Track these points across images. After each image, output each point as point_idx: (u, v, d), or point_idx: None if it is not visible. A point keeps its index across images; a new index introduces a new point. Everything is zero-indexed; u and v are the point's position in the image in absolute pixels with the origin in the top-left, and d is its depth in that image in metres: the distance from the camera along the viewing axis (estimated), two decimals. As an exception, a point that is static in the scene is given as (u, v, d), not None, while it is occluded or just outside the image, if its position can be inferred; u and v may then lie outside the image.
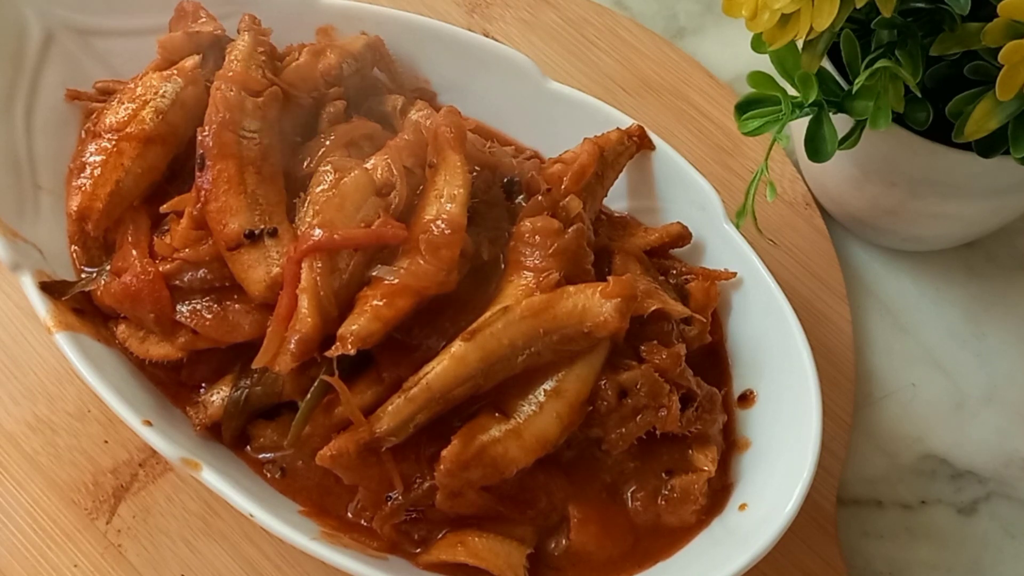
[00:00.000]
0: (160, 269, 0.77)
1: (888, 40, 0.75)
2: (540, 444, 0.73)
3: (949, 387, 0.95)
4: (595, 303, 0.72)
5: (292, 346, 0.71)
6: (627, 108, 0.90)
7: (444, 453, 0.72)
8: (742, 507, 0.77)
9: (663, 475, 0.77)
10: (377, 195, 0.76)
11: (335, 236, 0.73)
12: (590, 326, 0.72)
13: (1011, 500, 0.91)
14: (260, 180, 0.78)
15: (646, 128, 0.88)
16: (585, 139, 0.86)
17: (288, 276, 0.73)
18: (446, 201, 0.75)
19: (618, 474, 0.77)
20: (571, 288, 0.74)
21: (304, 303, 0.71)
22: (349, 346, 0.70)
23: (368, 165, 0.78)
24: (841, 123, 0.76)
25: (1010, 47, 0.66)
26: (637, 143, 0.88)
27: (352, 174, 0.76)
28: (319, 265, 0.73)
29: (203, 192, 0.77)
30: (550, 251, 0.75)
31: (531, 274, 0.75)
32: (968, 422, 0.93)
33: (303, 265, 0.73)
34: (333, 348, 0.71)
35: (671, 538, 0.77)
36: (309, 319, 0.71)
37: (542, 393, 0.74)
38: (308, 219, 0.76)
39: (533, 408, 0.74)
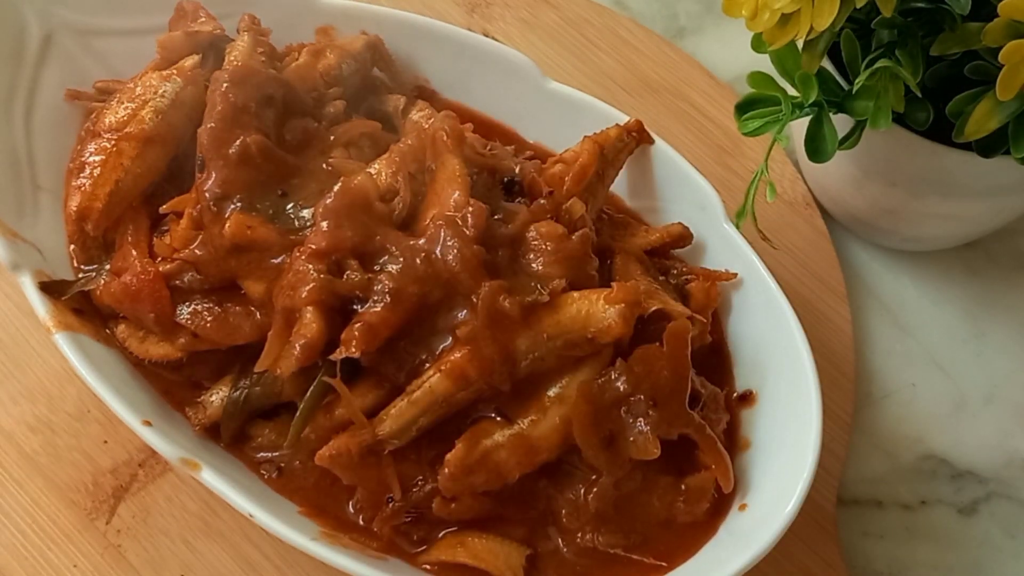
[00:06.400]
0: (160, 269, 0.77)
1: (888, 40, 0.75)
2: (543, 449, 0.73)
3: (949, 387, 0.95)
4: (599, 309, 0.72)
5: (297, 351, 0.71)
6: (627, 108, 0.90)
7: (448, 457, 0.72)
8: (742, 507, 0.77)
9: (672, 475, 0.77)
10: (380, 200, 0.76)
11: (339, 241, 0.73)
12: (594, 332, 0.72)
13: (1011, 500, 0.91)
14: (260, 181, 0.78)
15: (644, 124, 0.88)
16: (585, 137, 0.86)
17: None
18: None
19: (624, 475, 0.77)
20: (575, 294, 0.74)
21: (309, 309, 0.71)
22: (353, 348, 0.70)
23: (372, 170, 0.78)
24: (841, 123, 0.76)
25: (1010, 47, 0.66)
26: (636, 138, 0.88)
27: (356, 179, 0.76)
28: (323, 269, 0.72)
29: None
30: (555, 257, 0.75)
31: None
32: (968, 422, 0.93)
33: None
34: (337, 351, 0.71)
35: (680, 538, 0.76)
36: (314, 325, 0.71)
37: (545, 398, 0.74)
38: (310, 223, 0.76)
39: (536, 413, 0.74)
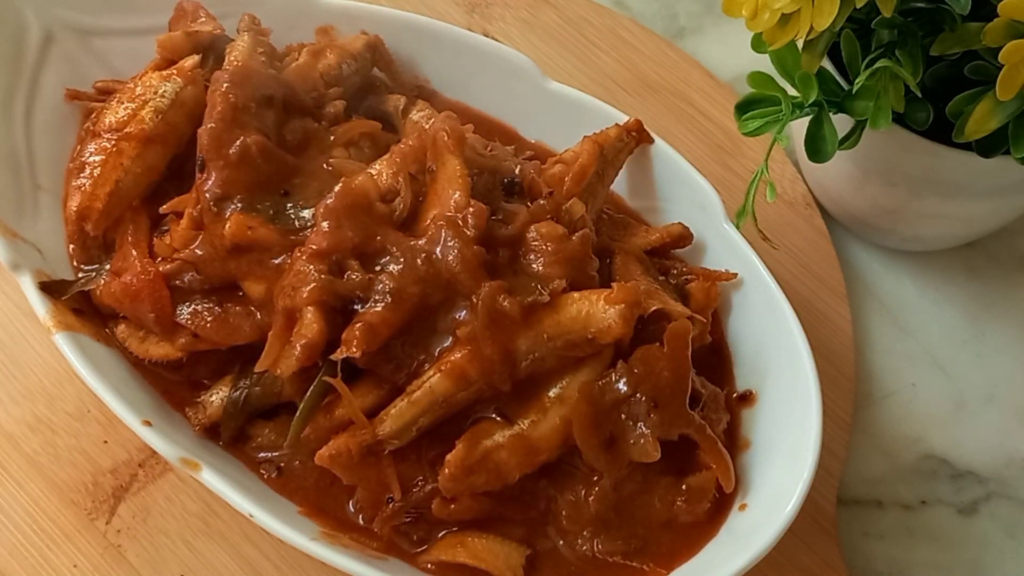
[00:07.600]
0: (160, 269, 0.77)
1: (888, 40, 0.75)
2: (543, 450, 0.73)
3: (949, 387, 0.95)
4: (599, 309, 0.72)
5: (297, 351, 0.71)
6: (627, 108, 0.90)
7: (449, 458, 0.72)
8: (742, 507, 0.77)
9: (672, 475, 0.77)
10: (381, 201, 0.76)
11: (340, 241, 0.73)
12: (594, 332, 0.72)
13: (1011, 500, 0.91)
14: (260, 181, 0.78)
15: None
16: (585, 137, 0.86)
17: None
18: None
19: (624, 476, 0.77)
20: (575, 294, 0.74)
21: (310, 309, 0.71)
22: (354, 348, 0.70)
23: (372, 171, 0.78)
24: (841, 123, 0.76)
25: (1010, 47, 0.66)
26: (636, 138, 0.88)
27: (357, 179, 0.76)
28: (324, 270, 0.72)
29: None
30: (555, 257, 0.75)
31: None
32: (968, 422, 0.93)
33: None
34: (338, 351, 0.71)
35: (680, 538, 0.76)
36: (315, 325, 0.71)
37: (546, 399, 0.74)
38: (310, 223, 0.76)
39: (537, 414, 0.74)
